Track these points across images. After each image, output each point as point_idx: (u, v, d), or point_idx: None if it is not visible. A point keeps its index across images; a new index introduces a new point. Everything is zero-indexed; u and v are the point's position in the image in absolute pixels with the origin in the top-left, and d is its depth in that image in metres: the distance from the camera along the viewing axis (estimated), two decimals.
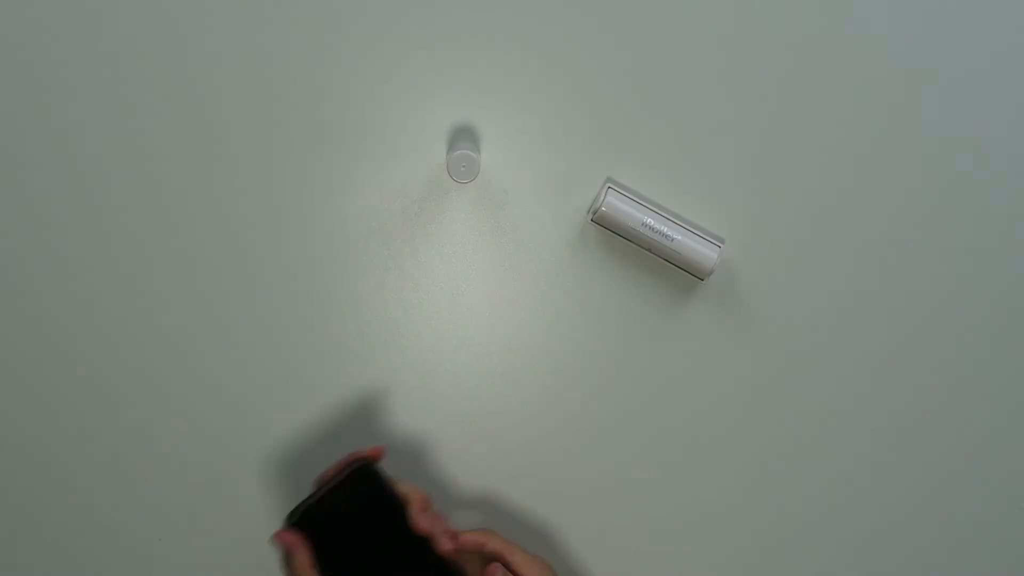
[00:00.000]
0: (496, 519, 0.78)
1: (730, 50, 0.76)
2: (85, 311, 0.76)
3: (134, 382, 0.77)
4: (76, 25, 0.74)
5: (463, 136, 0.75)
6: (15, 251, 0.76)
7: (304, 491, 0.78)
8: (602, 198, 0.73)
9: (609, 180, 0.76)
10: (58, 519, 0.78)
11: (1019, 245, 0.77)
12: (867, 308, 0.78)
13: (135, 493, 0.77)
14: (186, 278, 0.76)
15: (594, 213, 0.74)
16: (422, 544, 0.62)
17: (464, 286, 0.77)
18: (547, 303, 0.77)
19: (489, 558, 0.66)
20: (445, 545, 0.62)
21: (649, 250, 0.74)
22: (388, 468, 0.69)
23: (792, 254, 0.77)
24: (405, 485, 0.63)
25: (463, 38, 0.75)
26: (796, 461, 0.79)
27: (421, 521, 0.62)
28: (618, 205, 0.73)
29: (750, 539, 0.79)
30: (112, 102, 0.75)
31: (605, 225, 0.74)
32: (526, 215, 0.77)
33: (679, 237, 0.73)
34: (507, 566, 0.65)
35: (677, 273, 0.76)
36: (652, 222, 0.73)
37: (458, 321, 0.77)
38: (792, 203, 0.77)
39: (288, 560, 0.59)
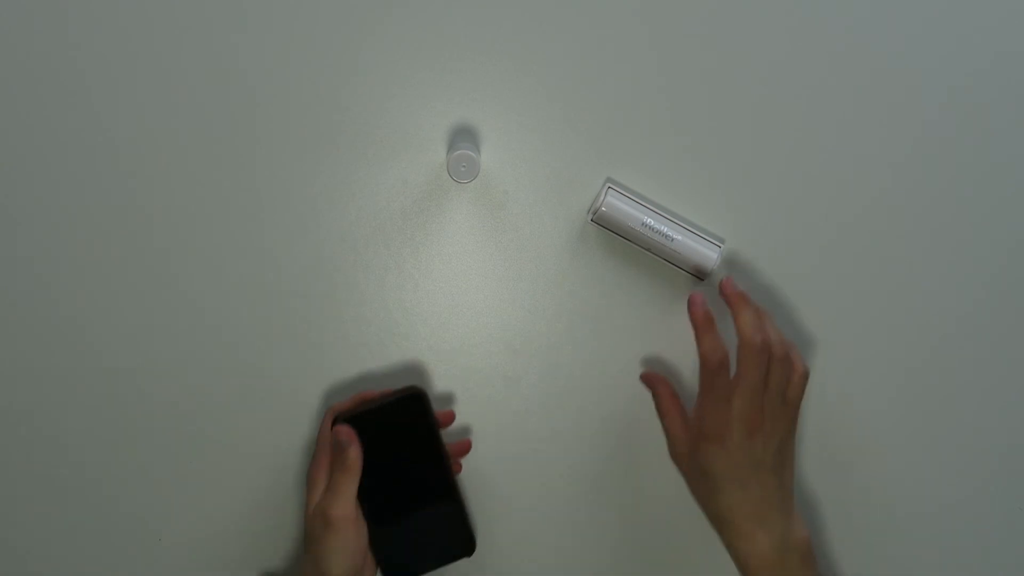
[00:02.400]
0: (496, 518, 0.78)
1: (730, 50, 0.76)
2: (90, 313, 0.76)
3: (136, 382, 0.77)
4: (71, 24, 0.74)
5: (463, 136, 0.75)
6: (13, 253, 0.76)
7: (298, 492, 0.78)
8: (602, 198, 0.73)
9: (609, 180, 0.76)
10: (58, 519, 0.78)
11: (1022, 245, 0.77)
12: (867, 308, 0.78)
13: (135, 493, 0.77)
14: (184, 278, 0.76)
15: (594, 213, 0.74)
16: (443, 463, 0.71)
17: (464, 286, 0.77)
18: (547, 303, 0.77)
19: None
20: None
21: (649, 250, 0.74)
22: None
23: (792, 254, 0.77)
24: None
25: (463, 38, 0.75)
26: (795, 461, 0.79)
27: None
28: (618, 205, 0.73)
29: None
30: (110, 103, 0.75)
31: (605, 225, 0.74)
32: (526, 215, 0.77)
33: (679, 237, 0.73)
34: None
35: (677, 273, 0.76)
36: (652, 222, 0.73)
37: (458, 321, 0.77)
38: (792, 203, 0.77)
39: (340, 452, 0.67)
